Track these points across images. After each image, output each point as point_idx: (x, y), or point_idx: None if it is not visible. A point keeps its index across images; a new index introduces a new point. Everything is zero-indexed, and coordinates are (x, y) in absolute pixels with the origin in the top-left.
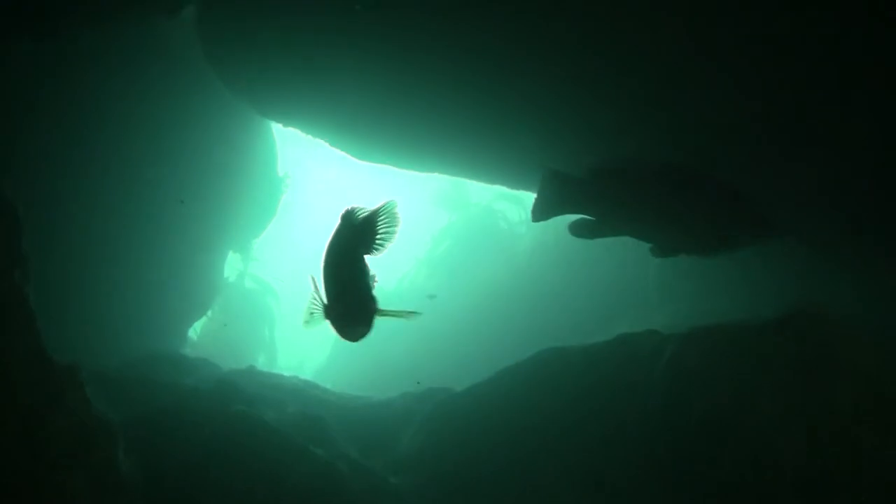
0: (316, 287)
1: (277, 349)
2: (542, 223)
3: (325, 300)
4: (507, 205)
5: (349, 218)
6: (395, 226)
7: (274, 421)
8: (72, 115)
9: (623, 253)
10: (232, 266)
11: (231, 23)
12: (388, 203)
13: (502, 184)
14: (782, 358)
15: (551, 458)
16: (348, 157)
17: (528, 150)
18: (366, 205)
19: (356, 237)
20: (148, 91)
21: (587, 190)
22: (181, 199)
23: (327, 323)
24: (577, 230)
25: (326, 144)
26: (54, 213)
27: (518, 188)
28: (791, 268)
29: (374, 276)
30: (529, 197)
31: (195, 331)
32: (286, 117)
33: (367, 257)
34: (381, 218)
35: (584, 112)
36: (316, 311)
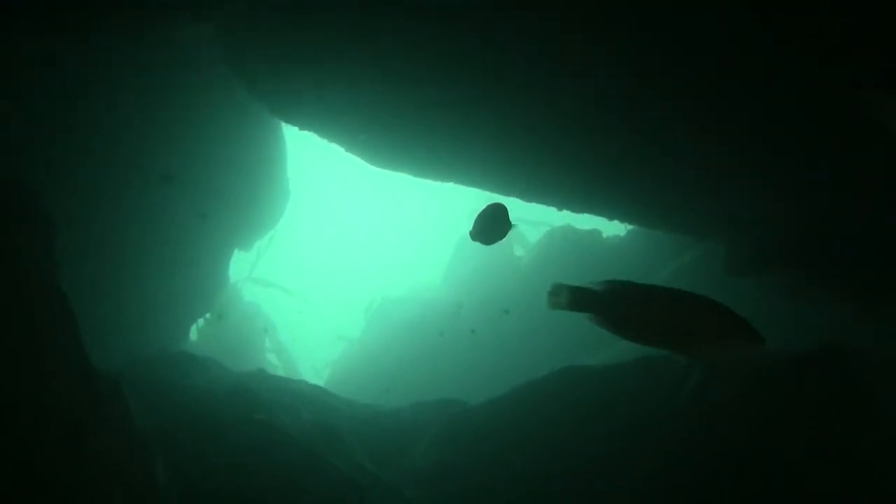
0: None
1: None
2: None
3: None
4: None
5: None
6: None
7: (292, 429)
8: (83, 118)
9: (626, 265)
10: (238, 268)
11: (253, 28)
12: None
13: (518, 196)
14: (811, 393)
15: (569, 479)
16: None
17: (543, 164)
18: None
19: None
20: (163, 89)
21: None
22: (203, 212)
23: None
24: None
25: (341, 150)
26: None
27: (533, 200)
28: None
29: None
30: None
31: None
32: (303, 121)
33: None
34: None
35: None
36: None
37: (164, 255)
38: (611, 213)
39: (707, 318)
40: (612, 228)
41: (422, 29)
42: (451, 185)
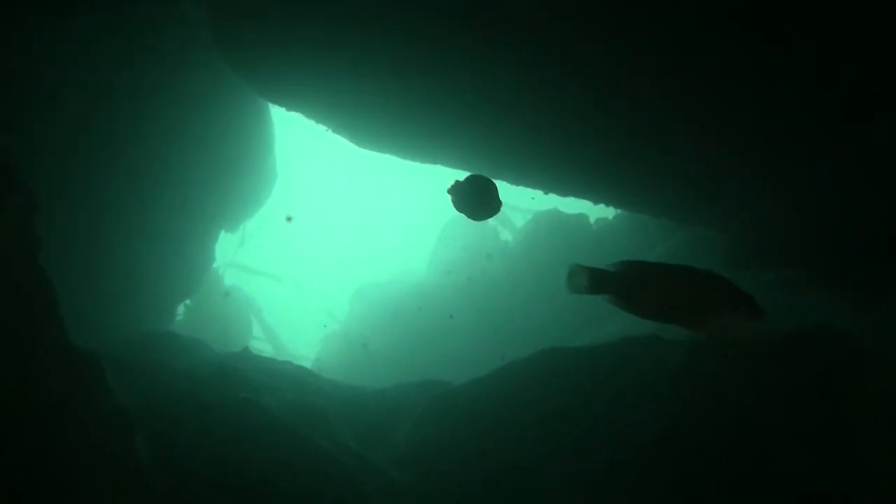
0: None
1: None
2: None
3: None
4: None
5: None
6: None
7: (277, 410)
8: (70, 99)
9: (614, 249)
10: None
11: (243, 9)
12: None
13: (505, 179)
14: (794, 373)
15: (552, 459)
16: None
17: (534, 146)
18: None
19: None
20: (151, 69)
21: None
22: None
23: None
24: None
25: (328, 130)
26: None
27: (520, 183)
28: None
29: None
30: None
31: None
32: (290, 101)
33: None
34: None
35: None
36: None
37: (150, 235)
38: (603, 199)
39: (716, 293)
40: (599, 211)
41: (415, 16)
42: (437, 168)
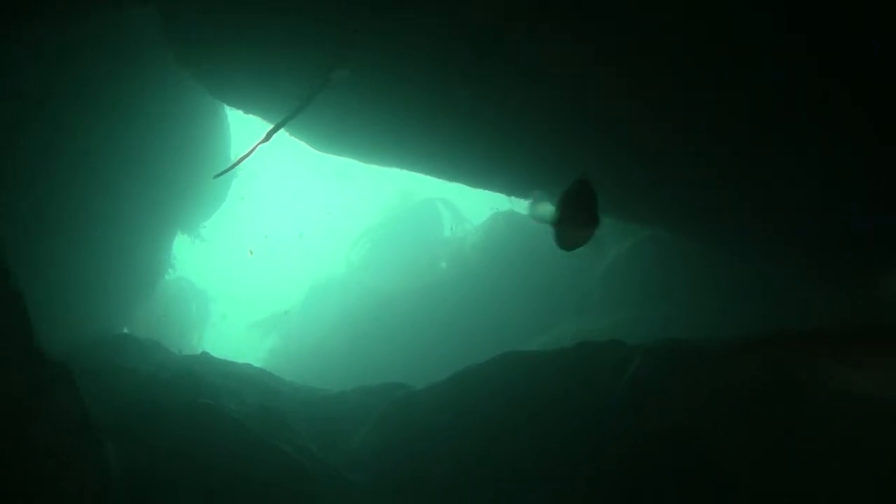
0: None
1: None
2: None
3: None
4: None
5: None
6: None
7: (237, 413)
8: (21, 98)
9: (573, 254)
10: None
11: (195, 8)
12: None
13: (463, 182)
14: (745, 379)
15: (509, 462)
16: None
17: (497, 147)
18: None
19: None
20: (104, 68)
21: None
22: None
23: None
24: None
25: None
26: None
27: (479, 187)
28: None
29: None
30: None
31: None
32: (246, 104)
33: None
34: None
35: None
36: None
37: (102, 235)
38: None
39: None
40: None
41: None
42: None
